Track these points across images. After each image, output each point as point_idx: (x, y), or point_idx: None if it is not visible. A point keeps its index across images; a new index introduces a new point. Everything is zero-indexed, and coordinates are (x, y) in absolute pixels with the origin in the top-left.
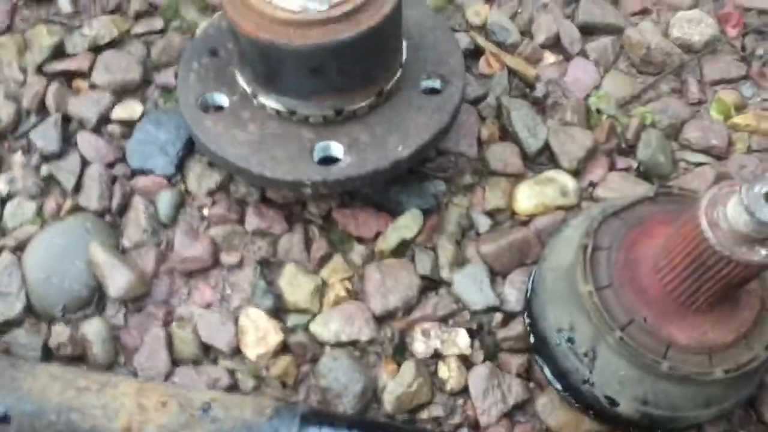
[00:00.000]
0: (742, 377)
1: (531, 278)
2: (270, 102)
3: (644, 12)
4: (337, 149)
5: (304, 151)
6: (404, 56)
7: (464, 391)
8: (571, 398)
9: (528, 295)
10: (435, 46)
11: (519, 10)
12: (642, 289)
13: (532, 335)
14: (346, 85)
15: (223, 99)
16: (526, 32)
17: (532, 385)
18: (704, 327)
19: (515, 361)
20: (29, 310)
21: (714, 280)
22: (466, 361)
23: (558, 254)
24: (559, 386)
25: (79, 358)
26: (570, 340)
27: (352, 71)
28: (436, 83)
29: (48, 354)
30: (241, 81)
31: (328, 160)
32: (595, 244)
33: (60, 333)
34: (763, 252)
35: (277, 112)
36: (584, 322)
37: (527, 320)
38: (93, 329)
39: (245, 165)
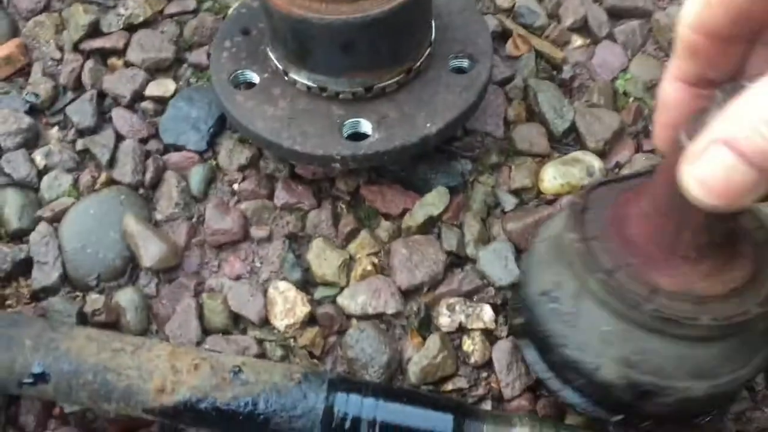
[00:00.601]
0: (737, 349)
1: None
2: (301, 78)
3: None
4: (366, 125)
5: (333, 127)
6: (433, 35)
7: (488, 364)
8: (553, 381)
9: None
10: (463, 26)
11: None
12: (630, 239)
13: (517, 316)
14: (376, 63)
15: (254, 76)
16: (554, 15)
17: None
18: (693, 277)
19: None
20: (65, 278)
21: (699, 209)
22: (490, 336)
23: (548, 227)
24: (539, 367)
25: (112, 325)
26: (553, 299)
27: (382, 48)
28: (464, 63)
29: (83, 320)
30: (273, 58)
31: (358, 136)
32: (585, 204)
33: (95, 300)
34: None
35: (308, 88)
36: (569, 277)
37: (511, 304)
38: (126, 298)
39: (276, 139)
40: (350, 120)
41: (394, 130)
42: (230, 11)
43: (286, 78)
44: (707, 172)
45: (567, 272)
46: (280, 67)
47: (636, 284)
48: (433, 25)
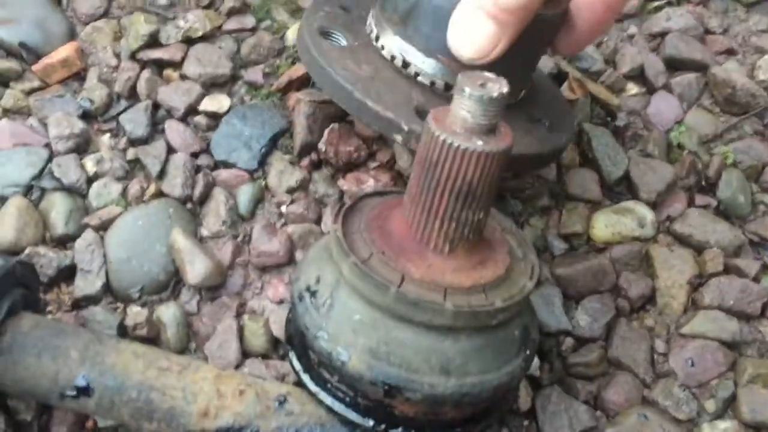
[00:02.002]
0: (486, 349)
1: None
2: (391, 44)
3: (730, 52)
4: None
5: (409, 104)
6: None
7: (531, 412)
8: (311, 383)
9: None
10: (549, 92)
11: (605, 39)
12: (388, 232)
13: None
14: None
15: (342, 40)
16: (611, 61)
17: (598, 413)
18: (443, 269)
19: (583, 388)
20: (107, 288)
21: (443, 191)
22: (534, 382)
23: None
24: (299, 366)
25: (152, 340)
26: (313, 293)
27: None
28: (547, 122)
29: (123, 333)
30: (371, 19)
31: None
32: (355, 204)
33: (137, 314)
34: (480, 142)
35: (392, 58)
36: (329, 270)
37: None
38: (169, 313)
39: (350, 87)
40: (423, 103)
41: None
42: None
43: (375, 43)
44: (459, 31)
45: (328, 266)
46: (375, 30)
47: (387, 270)
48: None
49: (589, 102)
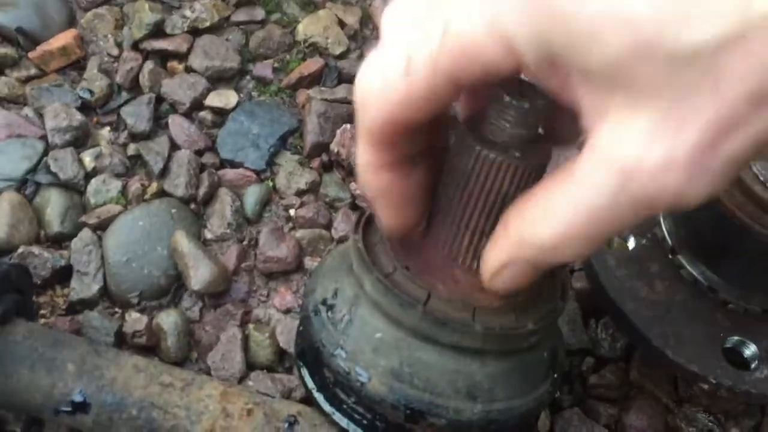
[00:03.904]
0: (514, 373)
1: None
2: (691, 268)
3: None
4: (751, 351)
5: (714, 340)
6: None
7: None
8: (324, 402)
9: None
10: None
11: None
12: (413, 245)
13: (299, 337)
14: None
15: (630, 238)
16: None
17: None
18: (472, 287)
19: (604, 411)
20: (105, 292)
21: (476, 204)
22: (553, 404)
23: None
24: (312, 384)
25: (151, 348)
26: (330, 307)
27: None
28: None
29: (121, 340)
30: (664, 229)
31: (737, 357)
32: (370, 216)
33: (136, 320)
34: (517, 154)
35: (695, 281)
36: (348, 284)
37: (297, 328)
38: (169, 320)
39: (646, 332)
40: (735, 338)
41: None
42: None
43: (669, 256)
44: (507, 282)
45: (347, 278)
46: (669, 242)
47: (412, 287)
48: None
49: None
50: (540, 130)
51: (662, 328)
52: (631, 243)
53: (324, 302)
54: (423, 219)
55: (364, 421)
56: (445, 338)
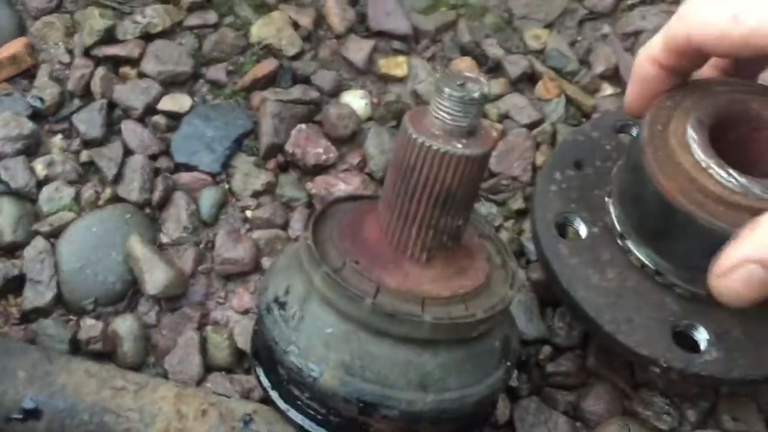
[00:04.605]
0: (466, 361)
1: None
2: (639, 254)
3: None
4: (701, 336)
5: (664, 325)
6: None
7: (509, 424)
8: (279, 400)
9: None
10: None
11: (579, 39)
12: (362, 240)
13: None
14: None
15: (581, 227)
16: (585, 61)
17: (578, 424)
18: (421, 279)
19: (562, 398)
20: (59, 299)
21: (421, 196)
22: (511, 393)
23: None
24: (267, 382)
25: (107, 354)
26: (282, 305)
27: None
28: None
29: (76, 347)
30: (613, 214)
31: (687, 341)
32: (326, 210)
33: (91, 326)
34: (459, 145)
35: (642, 266)
36: (299, 280)
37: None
38: (126, 326)
39: (596, 317)
40: (684, 322)
41: (735, 354)
42: (566, 136)
43: (618, 242)
44: (738, 285)
45: (298, 275)
46: (618, 228)
47: (361, 280)
48: None
49: (564, 102)
50: (480, 120)
51: (613, 314)
52: (583, 231)
53: (276, 300)
54: None
55: (319, 417)
56: (394, 330)
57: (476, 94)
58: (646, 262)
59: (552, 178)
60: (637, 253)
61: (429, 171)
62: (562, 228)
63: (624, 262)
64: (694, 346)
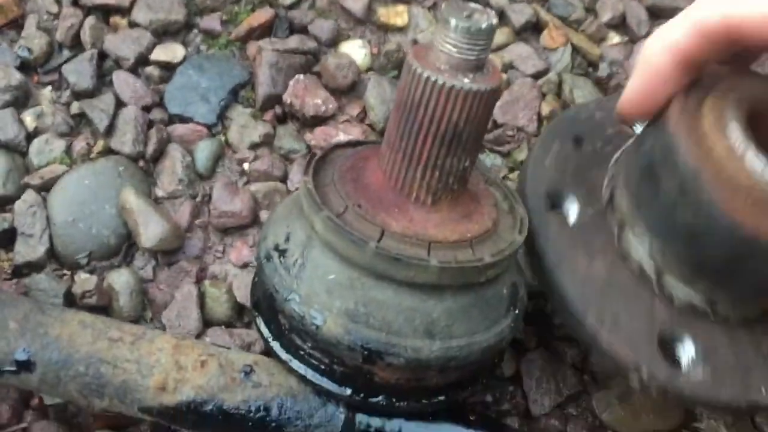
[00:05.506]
0: (473, 308)
1: None
2: (632, 247)
3: None
4: (687, 350)
5: (651, 330)
6: None
7: (516, 377)
8: (280, 350)
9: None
10: None
11: None
12: (364, 184)
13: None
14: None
15: (574, 207)
16: (591, 9)
17: (586, 377)
18: (426, 222)
19: (570, 351)
20: (52, 254)
21: (426, 135)
22: (518, 346)
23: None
24: (268, 333)
25: (103, 309)
26: (282, 252)
27: None
28: None
29: (71, 302)
30: (614, 200)
31: (672, 352)
32: (327, 154)
33: (85, 281)
34: (466, 80)
35: (637, 260)
36: (299, 227)
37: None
38: (121, 280)
39: (579, 312)
40: (669, 330)
41: (721, 374)
42: (566, 111)
43: (614, 231)
44: None
45: (298, 222)
46: (615, 219)
47: (364, 224)
48: None
49: (570, 51)
50: (488, 54)
51: (598, 308)
52: (575, 211)
53: (276, 248)
54: None
55: (322, 366)
56: (399, 275)
57: (484, 25)
58: (643, 255)
59: (550, 148)
60: (630, 247)
61: (435, 108)
62: (555, 201)
63: (614, 253)
64: (676, 360)
